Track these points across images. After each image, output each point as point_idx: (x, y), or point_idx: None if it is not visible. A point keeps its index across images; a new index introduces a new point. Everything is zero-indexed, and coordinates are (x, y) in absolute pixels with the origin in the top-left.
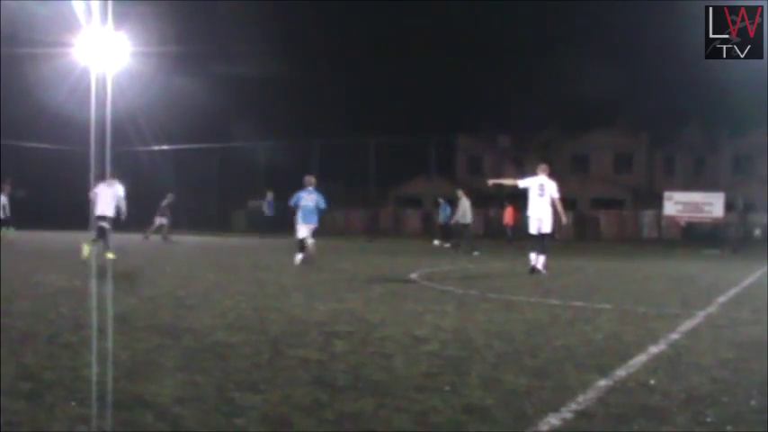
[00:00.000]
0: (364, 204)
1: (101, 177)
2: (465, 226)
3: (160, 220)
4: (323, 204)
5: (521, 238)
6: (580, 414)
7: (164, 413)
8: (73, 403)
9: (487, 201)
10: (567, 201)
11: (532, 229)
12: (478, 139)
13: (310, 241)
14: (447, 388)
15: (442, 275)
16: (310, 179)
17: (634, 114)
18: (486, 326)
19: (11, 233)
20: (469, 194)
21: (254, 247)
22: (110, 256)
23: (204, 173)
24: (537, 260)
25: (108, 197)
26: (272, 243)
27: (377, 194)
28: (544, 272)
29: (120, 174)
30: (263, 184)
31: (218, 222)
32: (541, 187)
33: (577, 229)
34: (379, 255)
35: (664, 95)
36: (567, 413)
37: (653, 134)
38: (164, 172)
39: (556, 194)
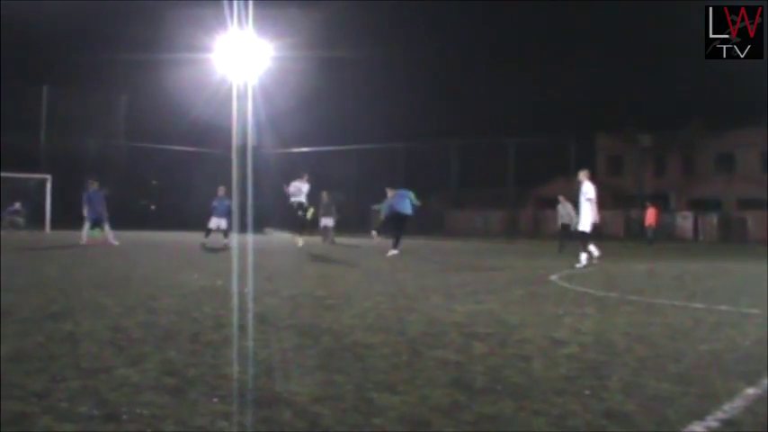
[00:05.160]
0: (503, 205)
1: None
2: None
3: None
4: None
5: (662, 239)
6: (726, 423)
7: (303, 411)
8: (215, 400)
9: (629, 202)
10: (711, 201)
11: None
12: (618, 138)
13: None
14: (587, 392)
15: (582, 277)
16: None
17: None
18: (627, 329)
19: (96, 233)
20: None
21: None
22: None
23: (343, 174)
24: None
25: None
26: (403, 244)
27: (516, 195)
28: None
29: (259, 175)
30: (402, 185)
31: (358, 223)
32: None
33: (723, 230)
34: (519, 256)
35: None
36: (712, 421)
37: None
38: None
39: None
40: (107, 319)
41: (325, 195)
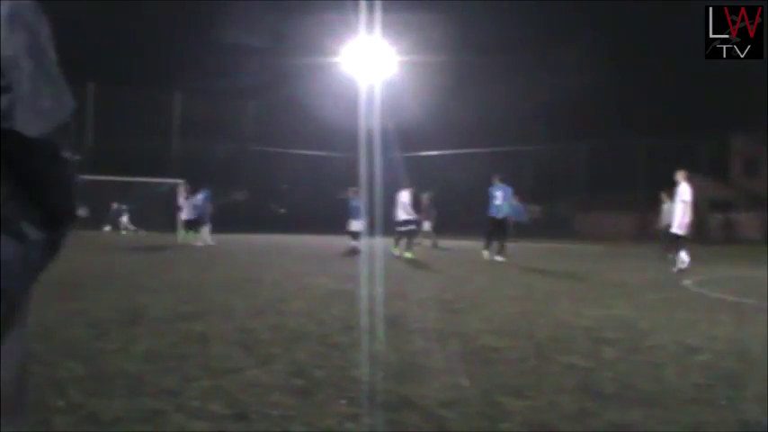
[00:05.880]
0: (633, 208)
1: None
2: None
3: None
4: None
5: None
6: None
7: (429, 415)
8: (342, 401)
9: (766, 204)
10: None
11: None
12: (754, 138)
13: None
14: (722, 402)
15: (717, 283)
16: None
17: None
18: (766, 337)
19: (191, 236)
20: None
21: (516, 253)
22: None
23: (470, 178)
24: None
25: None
26: (531, 247)
27: (646, 198)
28: None
29: (385, 179)
30: (530, 189)
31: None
32: None
33: None
34: (649, 260)
35: None
36: None
37: None
38: (427, 177)
39: None
40: (237, 320)
41: (425, 197)
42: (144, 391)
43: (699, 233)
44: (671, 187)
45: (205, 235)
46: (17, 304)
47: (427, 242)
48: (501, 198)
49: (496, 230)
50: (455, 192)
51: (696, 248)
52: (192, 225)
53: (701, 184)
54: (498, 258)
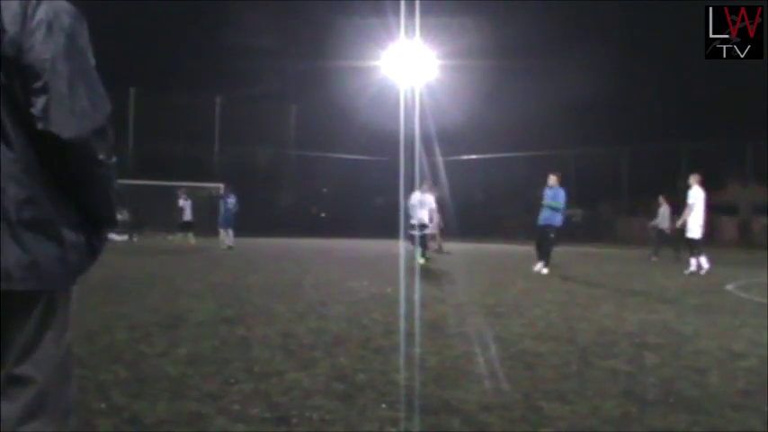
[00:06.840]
0: (676, 212)
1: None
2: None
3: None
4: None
5: None
6: None
7: (471, 419)
8: (383, 405)
9: None
10: None
11: None
12: None
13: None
14: (767, 408)
15: (761, 287)
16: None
17: None
18: None
19: (189, 238)
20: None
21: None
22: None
23: (511, 182)
24: None
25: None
26: (572, 252)
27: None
28: None
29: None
30: (572, 193)
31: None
32: None
33: None
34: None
35: None
36: None
37: None
38: (470, 181)
39: None
40: (279, 324)
41: (433, 200)
42: (186, 394)
43: (742, 237)
44: (683, 191)
45: (229, 238)
46: (55, 306)
47: (434, 245)
48: (563, 202)
49: (555, 240)
50: (496, 196)
51: (740, 253)
52: (190, 227)
53: (744, 187)
54: (545, 271)
